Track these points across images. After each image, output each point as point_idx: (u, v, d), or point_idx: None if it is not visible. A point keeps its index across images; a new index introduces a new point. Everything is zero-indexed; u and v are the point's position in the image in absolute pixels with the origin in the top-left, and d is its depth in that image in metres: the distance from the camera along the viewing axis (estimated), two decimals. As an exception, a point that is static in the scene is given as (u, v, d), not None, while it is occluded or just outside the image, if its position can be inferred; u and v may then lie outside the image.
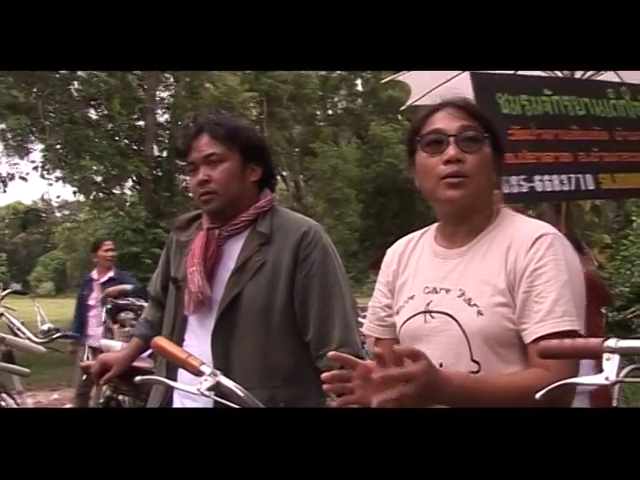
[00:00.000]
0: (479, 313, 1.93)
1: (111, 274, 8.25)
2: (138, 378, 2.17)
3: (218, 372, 2.02)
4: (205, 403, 2.23)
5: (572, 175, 4.75)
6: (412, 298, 2.09)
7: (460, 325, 1.95)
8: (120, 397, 5.93)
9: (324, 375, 1.82)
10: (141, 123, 23.41)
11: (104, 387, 5.73)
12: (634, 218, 15.40)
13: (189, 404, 2.58)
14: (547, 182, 4.67)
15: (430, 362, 1.71)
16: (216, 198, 2.64)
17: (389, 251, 2.27)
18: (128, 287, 7.80)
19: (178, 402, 2.68)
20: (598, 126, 4.91)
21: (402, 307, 2.11)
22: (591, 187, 4.81)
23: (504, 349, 1.92)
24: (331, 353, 1.84)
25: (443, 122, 2.03)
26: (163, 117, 24.62)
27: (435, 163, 2.00)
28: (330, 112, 34.07)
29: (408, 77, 6.20)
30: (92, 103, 22.08)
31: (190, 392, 2.03)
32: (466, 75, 4.58)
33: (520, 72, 4.80)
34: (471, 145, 2.00)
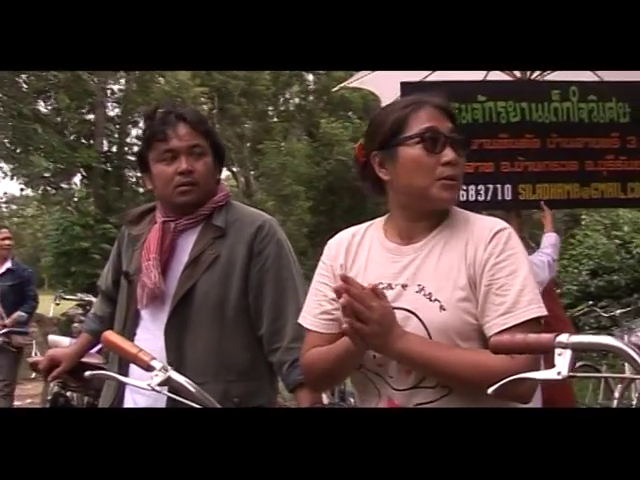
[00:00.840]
0: (441, 308, 1.94)
1: (8, 265, 7.75)
2: (88, 373, 2.13)
3: (169, 367, 1.99)
4: (156, 399, 2.21)
5: (490, 185, 4.84)
6: None
7: (421, 320, 1.95)
8: (68, 393, 5.90)
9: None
10: (91, 117, 23.20)
11: (52, 384, 5.70)
12: (582, 217, 15.68)
13: (140, 400, 2.55)
14: (462, 192, 4.73)
15: (391, 307, 1.89)
16: (196, 190, 2.61)
17: (332, 244, 2.20)
18: (23, 315, 7.55)
19: (129, 398, 2.65)
20: (530, 133, 4.95)
21: None
22: (508, 198, 4.90)
23: (465, 343, 1.93)
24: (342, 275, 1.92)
25: (435, 121, 2.00)
26: (113, 111, 24.44)
27: (433, 163, 1.98)
28: (282, 108, 33.97)
29: (366, 82, 6.17)
30: (41, 96, 21.82)
31: (141, 387, 2.00)
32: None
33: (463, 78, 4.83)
34: (460, 149, 2.02)
